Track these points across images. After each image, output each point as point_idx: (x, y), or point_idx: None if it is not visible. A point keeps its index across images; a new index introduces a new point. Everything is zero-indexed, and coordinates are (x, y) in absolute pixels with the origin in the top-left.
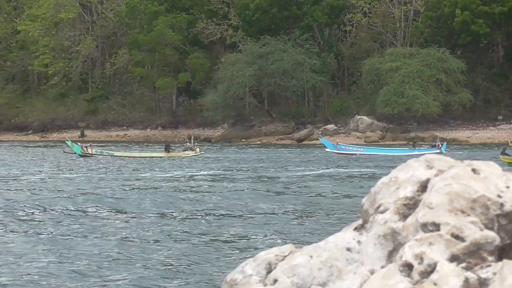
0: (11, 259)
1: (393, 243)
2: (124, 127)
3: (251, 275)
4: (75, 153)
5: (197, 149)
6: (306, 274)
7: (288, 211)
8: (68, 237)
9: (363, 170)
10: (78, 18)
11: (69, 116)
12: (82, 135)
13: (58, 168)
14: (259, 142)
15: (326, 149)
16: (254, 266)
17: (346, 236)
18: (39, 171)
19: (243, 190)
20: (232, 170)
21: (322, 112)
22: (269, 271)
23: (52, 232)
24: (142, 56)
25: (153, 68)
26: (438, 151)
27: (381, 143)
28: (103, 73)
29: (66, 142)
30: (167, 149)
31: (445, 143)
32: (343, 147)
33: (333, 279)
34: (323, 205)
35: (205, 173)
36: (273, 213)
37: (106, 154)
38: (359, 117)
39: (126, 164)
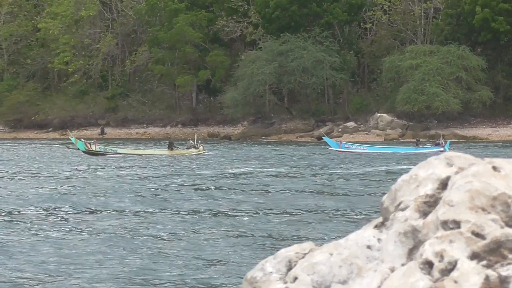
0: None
1: (414, 241)
2: (144, 125)
3: (271, 272)
4: (78, 149)
5: (200, 148)
6: (326, 272)
7: (308, 209)
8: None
9: (382, 168)
10: (98, 15)
11: (89, 113)
12: (102, 132)
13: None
14: (278, 140)
15: (329, 148)
16: (274, 264)
17: (367, 233)
18: (77, 169)
19: (262, 188)
20: (253, 168)
21: (342, 110)
22: (289, 268)
23: (105, 231)
24: (162, 54)
25: (173, 65)
26: (442, 149)
27: (401, 140)
28: (123, 70)
29: (70, 138)
30: (171, 146)
31: (448, 141)
32: (346, 146)
33: (353, 276)
34: (343, 202)
35: (231, 171)
36: (293, 211)
37: (110, 151)
38: (379, 114)
39: (151, 162)
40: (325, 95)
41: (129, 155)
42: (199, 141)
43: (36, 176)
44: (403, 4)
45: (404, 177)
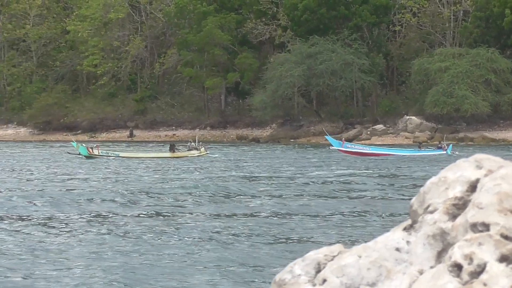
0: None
1: (442, 243)
2: (173, 127)
3: (299, 275)
4: (79, 154)
5: (202, 149)
6: (355, 274)
7: (336, 211)
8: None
9: (411, 171)
10: (127, 18)
11: (118, 116)
12: (131, 135)
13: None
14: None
15: (331, 147)
16: (303, 266)
17: (395, 236)
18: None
19: (289, 190)
20: (278, 171)
21: (371, 112)
22: (318, 271)
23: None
24: (191, 56)
25: (202, 68)
26: (444, 152)
27: (431, 142)
28: (152, 73)
29: (72, 143)
30: (172, 149)
31: (451, 144)
32: (349, 146)
33: (382, 279)
34: (372, 205)
35: (252, 174)
36: (322, 213)
37: (112, 155)
38: (408, 117)
39: (163, 165)
40: (354, 98)
41: (131, 159)
42: (200, 143)
43: (44, 178)
44: (432, 7)
45: (433, 179)
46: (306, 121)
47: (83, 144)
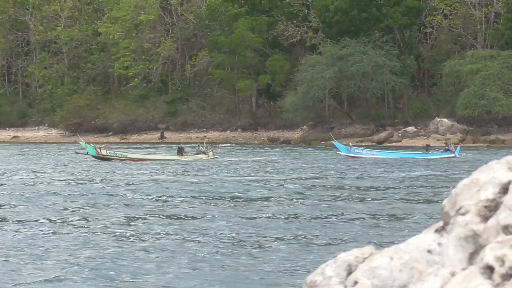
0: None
1: (474, 245)
2: (204, 129)
3: (331, 276)
4: (87, 153)
5: (210, 153)
6: (386, 276)
7: (368, 213)
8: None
9: (441, 172)
10: (158, 20)
11: (149, 117)
12: (162, 136)
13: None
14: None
15: (338, 152)
16: (334, 268)
17: (427, 238)
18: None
19: (318, 192)
20: (306, 172)
21: (402, 114)
22: (349, 272)
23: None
24: (222, 58)
25: (233, 70)
26: (452, 155)
27: (463, 144)
28: (183, 75)
29: (80, 143)
30: (181, 152)
31: (458, 146)
32: (357, 151)
33: (413, 281)
34: (403, 206)
35: (292, 176)
36: (353, 215)
37: (120, 156)
38: (439, 119)
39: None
40: (385, 100)
41: (139, 160)
42: (208, 146)
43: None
44: (463, 9)
45: (465, 181)
46: (337, 123)
47: (91, 144)
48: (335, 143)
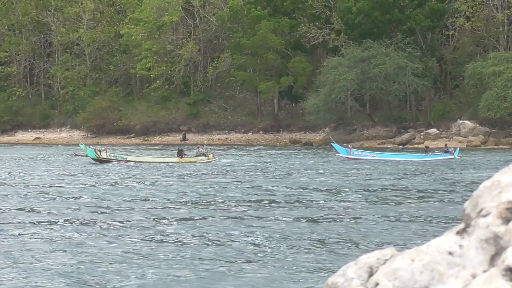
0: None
1: (495, 247)
2: (226, 131)
3: (352, 278)
4: (87, 156)
5: (210, 155)
6: (407, 278)
7: (388, 215)
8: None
9: (465, 175)
10: (181, 21)
11: (171, 119)
12: (184, 138)
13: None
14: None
15: (337, 154)
16: (355, 270)
17: (448, 239)
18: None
19: (343, 194)
20: (327, 174)
21: (424, 116)
22: (371, 274)
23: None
24: (244, 60)
25: (255, 72)
26: (452, 156)
27: (483, 147)
28: (205, 76)
29: (80, 145)
30: (180, 154)
31: (458, 148)
32: (356, 152)
33: (434, 283)
34: (424, 208)
35: (306, 179)
36: (374, 217)
37: (120, 158)
38: (461, 121)
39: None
40: (407, 102)
41: (138, 163)
42: (209, 149)
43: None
44: (486, 11)
45: (486, 183)
46: (359, 125)
47: (91, 147)
48: (334, 145)
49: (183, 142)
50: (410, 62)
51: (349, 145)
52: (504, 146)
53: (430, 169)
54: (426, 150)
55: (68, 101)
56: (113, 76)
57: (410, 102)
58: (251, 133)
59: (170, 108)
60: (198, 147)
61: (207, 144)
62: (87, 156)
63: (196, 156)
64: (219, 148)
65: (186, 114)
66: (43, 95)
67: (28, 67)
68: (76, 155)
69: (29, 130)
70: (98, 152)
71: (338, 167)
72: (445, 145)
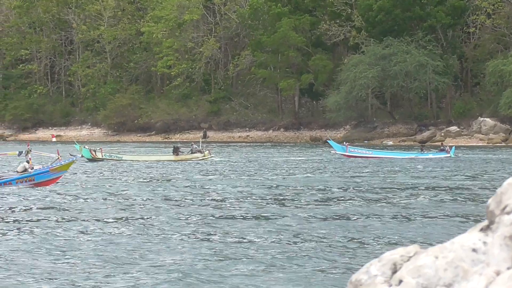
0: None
1: None
2: (247, 128)
3: (376, 275)
4: (82, 156)
5: (206, 152)
6: (431, 275)
7: (412, 212)
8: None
9: (488, 171)
10: (202, 19)
11: (191, 117)
12: (205, 136)
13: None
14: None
15: (333, 151)
16: (379, 267)
17: (472, 237)
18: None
19: (365, 191)
20: (349, 172)
21: (445, 114)
22: (394, 271)
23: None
24: (265, 58)
25: (276, 69)
26: (448, 154)
27: (501, 144)
28: (226, 74)
29: (75, 146)
30: (176, 152)
31: (453, 146)
32: (352, 150)
33: (458, 280)
34: (448, 205)
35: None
36: (397, 214)
37: (115, 158)
38: (482, 119)
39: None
40: (428, 99)
41: (134, 162)
42: (204, 145)
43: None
44: (507, 8)
45: (510, 180)
46: (380, 122)
47: (86, 147)
48: (331, 142)
49: (203, 140)
50: (431, 59)
51: (345, 142)
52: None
53: (435, 167)
54: (422, 148)
55: (88, 98)
56: (133, 73)
57: (430, 100)
58: (271, 130)
59: (190, 106)
60: (192, 144)
61: (204, 142)
62: (82, 156)
63: (192, 153)
64: (238, 146)
65: (207, 111)
66: (63, 92)
67: (49, 65)
68: (71, 155)
69: (50, 127)
70: (93, 152)
71: (337, 165)
72: (441, 143)
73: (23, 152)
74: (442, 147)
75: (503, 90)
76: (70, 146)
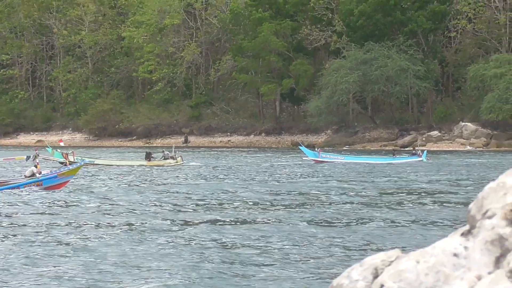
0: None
1: (501, 249)
2: (228, 133)
3: (357, 280)
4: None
5: (179, 158)
6: (412, 280)
7: (393, 217)
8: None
9: (469, 176)
10: (182, 24)
11: (173, 122)
12: (186, 141)
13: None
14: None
15: (304, 158)
16: (360, 271)
17: (453, 241)
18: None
19: (347, 197)
20: (329, 178)
21: (426, 119)
22: (376, 276)
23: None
24: (246, 63)
25: (257, 74)
26: (420, 159)
27: (486, 149)
28: (207, 79)
29: (47, 149)
30: (148, 157)
31: (425, 151)
32: (324, 155)
33: (439, 284)
34: (429, 210)
35: (316, 180)
36: (379, 219)
37: (87, 161)
38: (464, 123)
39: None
40: (409, 104)
41: (106, 166)
42: (177, 152)
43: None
44: (488, 13)
45: (491, 185)
46: (361, 127)
47: (58, 150)
48: (302, 148)
49: (185, 144)
50: (412, 64)
51: (316, 148)
52: (507, 148)
53: (413, 171)
54: (394, 153)
55: (70, 103)
56: (114, 78)
57: (412, 104)
58: (253, 135)
59: (172, 111)
60: (164, 151)
61: (185, 146)
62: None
63: (164, 159)
64: (220, 150)
65: (188, 116)
66: (45, 97)
67: (30, 70)
68: (44, 159)
69: (31, 132)
70: (65, 155)
71: (310, 170)
72: (413, 147)
73: (31, 157)
74: (414, 151)
75: (484, 95)
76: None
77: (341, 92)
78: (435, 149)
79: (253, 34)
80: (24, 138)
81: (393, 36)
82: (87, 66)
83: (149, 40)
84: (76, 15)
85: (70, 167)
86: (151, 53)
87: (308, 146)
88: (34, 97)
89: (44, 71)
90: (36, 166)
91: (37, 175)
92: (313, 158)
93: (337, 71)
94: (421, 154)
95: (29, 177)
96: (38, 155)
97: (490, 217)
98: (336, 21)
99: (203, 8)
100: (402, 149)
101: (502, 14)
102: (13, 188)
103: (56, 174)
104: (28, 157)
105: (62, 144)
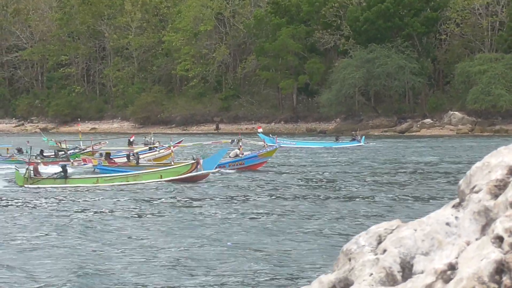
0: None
1: (486, 219)
2: (252, 121)
3: (364, 245)
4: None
5: (156, 143)
6: (411, 245)
7: (395, 192)
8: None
9: (457, 158)
10: (214, 29)
11: (206, 112)
12: (217, 128)
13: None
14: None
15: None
16: (366, 238)
17: (446, 212)
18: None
19: (355, 175)
20: (335, 159)
21: (420, 108)
22: (379, 242)
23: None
24: (267, 61)
25: (277, 71)
26: (360, 143)
27: (471, 133)
28: (234, 76)
29: (43, 138)
30: (131, 144)
31: (363, 136)
32: (279, 141)
33: (434, 249)
34: (426, 186)
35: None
36: (382, 193)
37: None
38: (452, 112)
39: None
40: (406, 96)
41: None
42: (156, 140)
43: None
44: (473, 18)
45: (478, 164)
46: (365, 116)
47: (53, 140)
48: (261, 135)
49: (216, 131)
50: (408, 62)
51: (270, 135)
52: (488, 133)
53: (433, 152)
54: (337, 138)
55: (119, 97)
56: (156, 75)
57: (408, 96)
58: (273, 123)
59: (205, 103)
60: (145, 137)
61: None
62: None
63: (145, 145)
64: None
65: (219, 107)
66: (97, 92)
67: (85, 68)
68: (236, 144)
69: (86, 121)
70: (59, 144)
71: (347, 152)
72: (353, 133)
73: (235, 141)
74: (353, 137)
75: (470, 88)
76: (103, 137)
77: (349, 86)
78: (428, 134)
79: (273, 37)
80: (80, 127)
81: (393, 38)
82: (133, 65)
83: (186, 43)
84: (124, 22)
85: (268, 149)
86: (187, 54)
87: (320, 132)
88: (89, 91)
89: (97, 69)
90: (239, 149)
91: (240, 155)
92: (271, 144)
93: (345, 68)
94: (360, 139)
95: (233, 157)
96: (241, 139)
97: (477, 192)
98: (344, 26)
99: (231, 16)
100: (336, 135)
101: (485, 19)
102: (220, 166)
103: (257, 154)
104: (232, 141)
105: (260, 130)
